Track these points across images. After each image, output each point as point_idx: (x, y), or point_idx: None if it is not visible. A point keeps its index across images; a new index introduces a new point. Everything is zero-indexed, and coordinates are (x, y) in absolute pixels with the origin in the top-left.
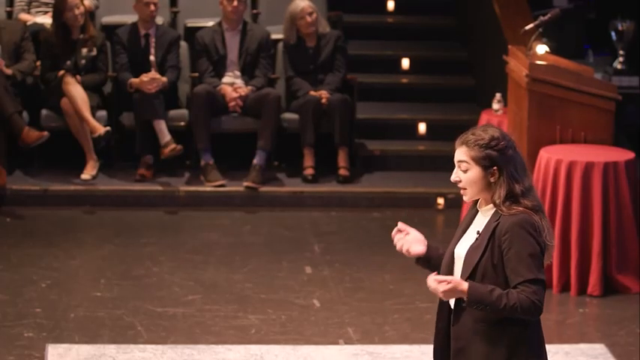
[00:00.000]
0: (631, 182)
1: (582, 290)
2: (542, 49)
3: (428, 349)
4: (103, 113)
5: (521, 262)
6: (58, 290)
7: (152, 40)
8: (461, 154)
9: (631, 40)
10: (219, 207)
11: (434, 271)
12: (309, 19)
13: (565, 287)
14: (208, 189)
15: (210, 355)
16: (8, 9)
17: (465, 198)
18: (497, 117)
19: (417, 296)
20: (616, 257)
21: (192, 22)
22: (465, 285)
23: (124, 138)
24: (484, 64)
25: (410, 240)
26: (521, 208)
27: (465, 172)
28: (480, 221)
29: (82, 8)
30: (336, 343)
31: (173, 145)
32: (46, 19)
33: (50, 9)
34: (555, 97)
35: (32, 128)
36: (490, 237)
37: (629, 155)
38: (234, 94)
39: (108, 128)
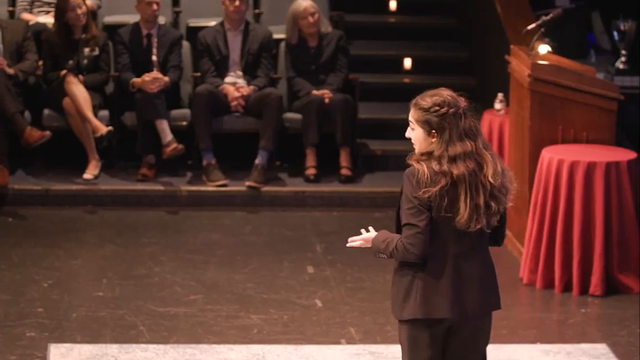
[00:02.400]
0: (633, 182)
1: (584, 290)
2: (544, 48)
3: None
4: (105, 113)
5: (402, 209)
6: (60, 290)
7: (154, 40)
8: (410, 114)
9: (633, 40)
10: (221, 207)
11: None
12: (311, 19)
13: (567, 287)
14: (210, 189)
15: (212, 355)
16: (10, 9)
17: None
18: (499, 117)
19: None
20: (618, 257)
21: (194, 22)
22: (369, 239)
23: (126, 138)
24: (486, 64)
25: None
26: (414, 162)
27: (413, 131)
28: None
29: (84, 8)
30: (338, 342)
31: (175, 145)
32: (49, 19)
33: (52, 9)
34: (557, 97)
35: (34, 128)
36: (402, 188)
37: (631, 155)
38: (237, 94)
39: (110, 128)
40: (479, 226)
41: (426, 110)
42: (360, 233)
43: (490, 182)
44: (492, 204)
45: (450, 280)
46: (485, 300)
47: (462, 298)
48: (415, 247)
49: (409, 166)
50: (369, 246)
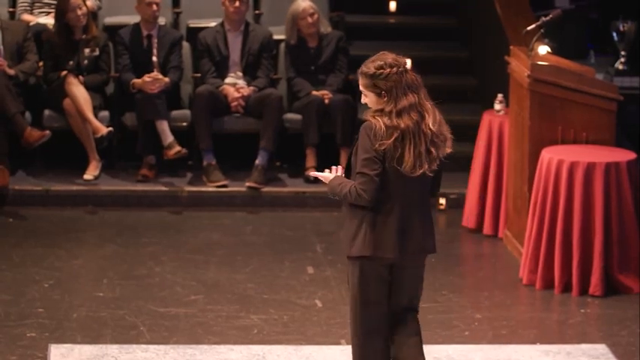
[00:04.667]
0: (632, 182)
1: (584, 290)
2: (543, 49)
3: (430, 349)
4: (105, 114)
5: (358, 159)
6: (61, 290)
7: (154, 41)
8: (359, 83)
9: (632, 40)
10: (221, 207)
11: None
12: (310, 19)
13: (567, 287)
14: (210, 189)
15: (212, 356)
16: (11, 9)
17: None
18: (499, 117)
19: None
20: (618, 257)
21: (194, 23)
22: (327, 177)
23: (126, 138)
24: (486, 64)
25: None
26: (371, 117)
27: (366, 97)
28: None
29: (84, 9)
30: (338, 343)
31: (179, 148)
32: (49, 20)
33: (53, 9)
34: (557, 97)
35: (34, 128)
36: (357, 138)
37: (631, 155)
38: (237, 95)
39: (110, 129)
40: (421, 171)
41: (372, 76)
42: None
43: (430, 130)
44: (432, 150)
45: (396, 224)
46: (424, 243)
47: (404, 240)
48: (367, 193)
49: (364, 121)
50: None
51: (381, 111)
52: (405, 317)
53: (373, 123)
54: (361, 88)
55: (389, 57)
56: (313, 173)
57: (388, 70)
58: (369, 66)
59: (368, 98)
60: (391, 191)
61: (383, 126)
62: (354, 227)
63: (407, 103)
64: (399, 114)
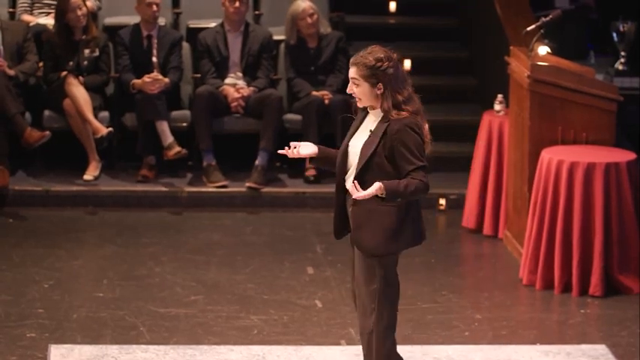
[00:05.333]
0: (632, 183)
1: (584, 291)
2: (543, 50)
3: (430, 350)
4: (105, 114)
5: (411, 154)
6: (61, 290)
7: (154, 41)
8: (352, 72)
9: (632, 41)
10: (221, 208)
11: (332, 167)
12: (309, 20)
13: (567, 288)
14: (210, 190)
15: (212, 356)
16: (11, 10)
17: (359, 105)
18: (499, 117)
19: (418, 297)
20: (618, 258)
21: (194, 23)
22: (381, 187)
23: (126, 139)
24: (486, 64)
25: (301, 145)
26: (406, 113)
27: (358, 87)
28: (371, 121)
29: (84, 9)
30: (338, 343)
31: (179, 149)
32: (49, 20)
33: (53, 10)
34: (557, 98)
35: (34, 128)
36: (383, 135)
37: (631, 156)
38: (237, 95)
39: (110, 129)
40: None
41: (371, 67)
42: None
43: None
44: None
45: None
46: None
47: None
48: (428, 182)
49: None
50: (380, 193)
51: (397, 106)
52: None
53: (415, 119)
54: (356, 77)
55: (382, 50)
56: (360, 194)
57: (387, 63)
58: (368, 57)
59: (360, 88)
60: None
61: (417, 116)
62: (394, 223)
63: (407, 94)
64: (409, 101)
